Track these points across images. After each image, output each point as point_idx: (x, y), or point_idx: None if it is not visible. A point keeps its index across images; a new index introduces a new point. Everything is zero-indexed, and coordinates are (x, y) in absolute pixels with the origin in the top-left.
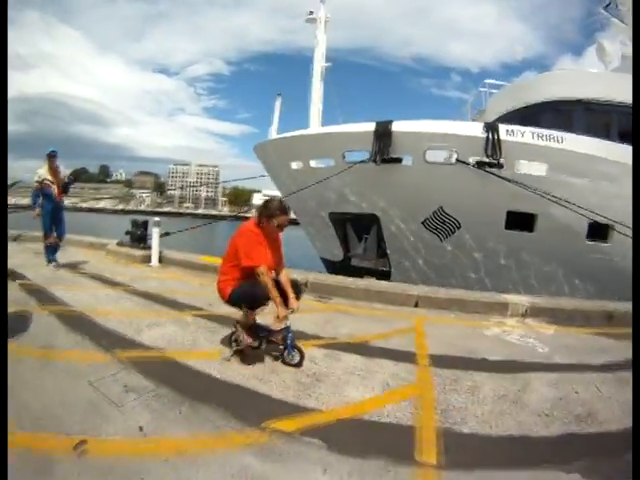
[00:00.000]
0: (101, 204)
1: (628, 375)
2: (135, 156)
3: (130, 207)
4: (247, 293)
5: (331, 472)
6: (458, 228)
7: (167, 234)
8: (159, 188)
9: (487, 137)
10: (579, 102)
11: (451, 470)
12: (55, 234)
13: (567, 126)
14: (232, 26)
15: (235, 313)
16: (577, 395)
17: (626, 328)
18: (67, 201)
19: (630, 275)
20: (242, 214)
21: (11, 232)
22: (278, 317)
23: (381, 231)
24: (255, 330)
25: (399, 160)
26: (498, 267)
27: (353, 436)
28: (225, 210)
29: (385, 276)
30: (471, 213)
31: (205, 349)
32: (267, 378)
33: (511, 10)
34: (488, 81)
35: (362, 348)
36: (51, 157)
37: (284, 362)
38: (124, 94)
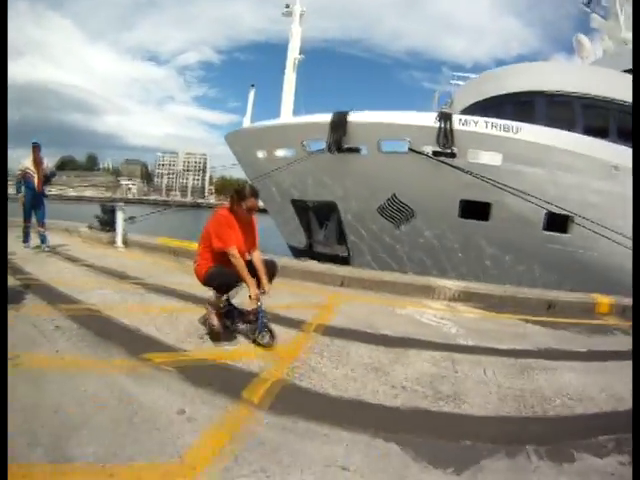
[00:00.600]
0: (87, 193)
1: (534, 363)
2: (125, 145)
3: (117, 195)
4: (217, 274)
5: (174, 391)
6: (412, 216)
7: (132, 218)
8: (147, 177)
9: (440, 126)
10: (541, 94)
11: (265, 411)
12: (35, 220)
13: (529, 117)
14: (224, 15)
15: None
16: (455, 375)
17: (565, 318)
18: (54, 190)
19: (591, 266)
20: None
21: None
22: (250, 297)
23: (340, 218)
24: (228, 312)
25: (357, 150)
26: (455, 255)
27: (205, 372)
28: (212, 199)
29: (345, 262)
30: (424, 201)
31: (128, 306)
32: (164, 329)
33: (506, 5)
34: (457, 73)
35: None
36: (35, 148)
37: (254, 341)
38: (114, 82)
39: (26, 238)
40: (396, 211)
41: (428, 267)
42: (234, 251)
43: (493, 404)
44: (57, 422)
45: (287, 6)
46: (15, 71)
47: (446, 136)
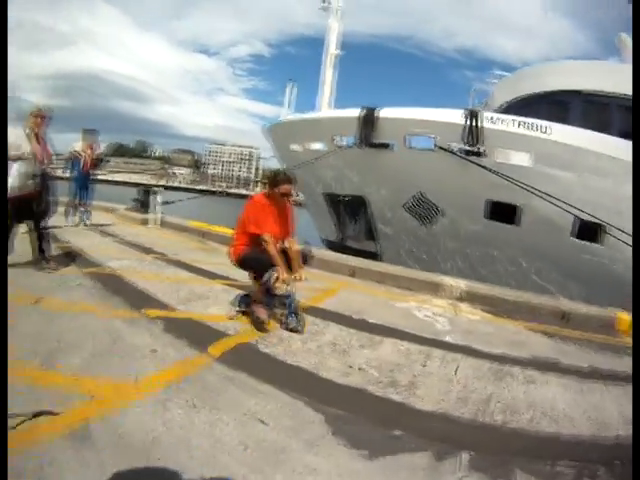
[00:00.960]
0: (134, 178)
1: (520, 372)
2: (176, 134)
3: (163, 183)
4: (251, 258)
5: (155, 337)
6: (437, 213)
7: (167, 203)
8: (196, 166)
9: (466, 124)
10: (578, 93)
11: (219, 363)
12: (80, 199)
13: (564, 118)
14: (274, 7)
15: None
16: (422, 368)
17: (578, 331)
18: (104, 175)
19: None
20: None
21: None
22: (280, 281)
23: (369, 213)
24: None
25: (386, 145)
26: (479, 257)
27: (185, 327)
28: (257, 190)
29: (374, 258)
30: (450, 199)
31: (144, 274)
32: (167, 293)
33: (558, 6)
34: (498, 72)
35: None
36: (85, 134)
37: (285, 327)
38: (165, 72)
39: (69, 214)
40: (422, 209)
41: (450, 267)
42: (267, 236)
43: (447, 403)
44: (55, 344)
45: (323, 1)
46: (66, 59)
47: (473, 134)
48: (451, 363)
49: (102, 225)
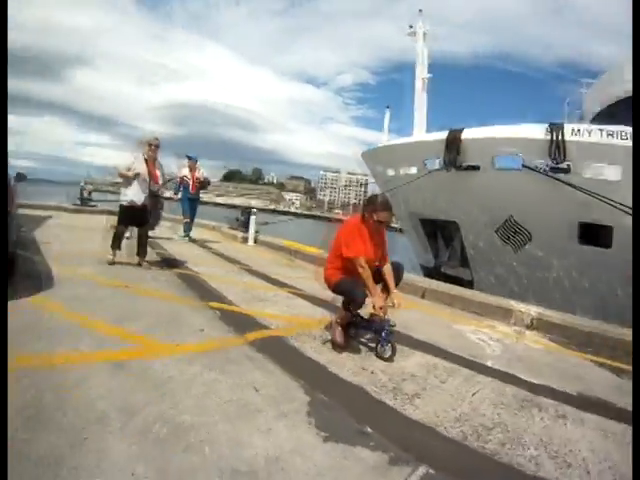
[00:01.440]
0: (252, 203)
1: (551, 405)
2: (287, 161)
3: (280, 208)
4: (348, 289)
5: (208, 320)
6: (530, 240)
7: (266, 223)
8: (310, 192)
9: (551, 138)
10: None
11: (248, 346)
12: (189, 216)
13: None
14: (373, 35)
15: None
16: (437, 383)
17: None
18: (221, 199)
19: None
20: None
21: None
22: (374, 308)
23: (462, 238)
24: (353, 321)
25: (475, 168)
26: (574, 286)
27: (236, 319)
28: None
29: (470, 285)
30: (540, 223)
31: (222, 278)
32: (235, 293)
33: None
34: (586, 81)
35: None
36: (190, 161)
37: (377, 355)
38: (275, 103)
39: (186, 229)
40: (513, 233)
41: (542, 295)
42: (361, 261)
43: (441, 418)
44: (127, 314)
45: (410, 26)
46: (182, 93)
47: (558, 148)
48: (474, 385)
49: (205, 240)
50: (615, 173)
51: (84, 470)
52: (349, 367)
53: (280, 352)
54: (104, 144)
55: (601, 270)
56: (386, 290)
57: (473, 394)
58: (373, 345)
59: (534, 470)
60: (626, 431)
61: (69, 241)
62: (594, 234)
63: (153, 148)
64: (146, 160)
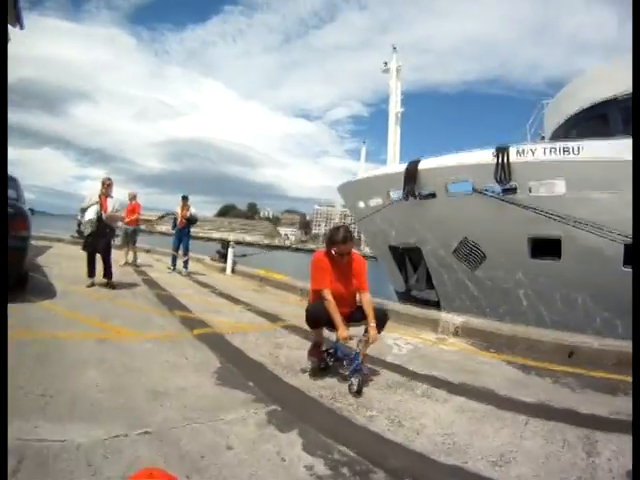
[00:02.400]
0: (247, 238)
1: (420, 389)
2: (282, 195)
3: (275, 242)
4: (309, 311)
5: (168, 322)
6: (484, 258)
7: (244, 255)
8: (305, 226)
9: (497, 162)
10: (614, 101)
11: (194, 337)
12: (181, 250)
13: (605, 131)
14: (363, 68)
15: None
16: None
17: (583, 369)
18: (217, 234)
19: None
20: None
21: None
22: (341, 338)
23: (425, 262)
24: (332, 351)
25: (432, 195)
26: (527, 299)
27: (190, 321)
28: (366, 250)
29: (437, 306)
30: (494, 242)
31: (192, 297)
32: (198, 306)
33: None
34: (546, 101)
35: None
36: (183, 199)
37: (348, 388)
38: (269, 137)
39: (173, 262)
40: (469, 254)
41: (503, 312)
42: (324, 293)
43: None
44: (111, 314)
45: (385, 64)
46: (176, 129)
47: (504, 171)
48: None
49: (192, 272)
50: (559, 187)
51: (70, 389)
52: (261, 352)
53: (213, 341)
54: (101, 178)
55: (555, 280)
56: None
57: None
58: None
59: (364, 423)
60: (489, 411)
61: (67, 267)
62: (544, 248)
63: (106, 186)
64: (100, 196)
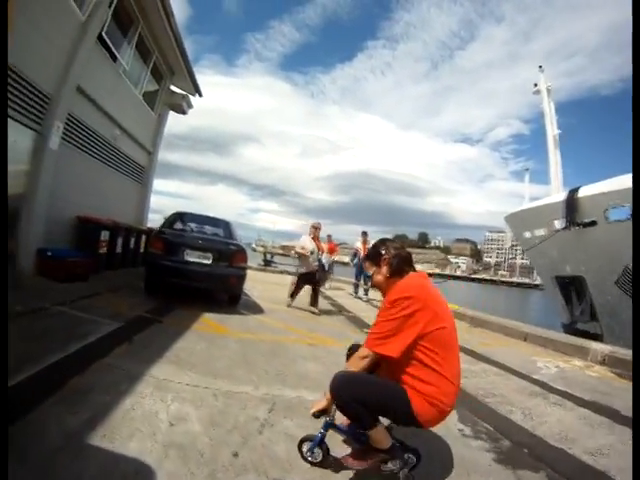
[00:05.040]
0: (418, 267)
1: (553, 397)
2: (451, 223)
3: (446, 272)
4: None
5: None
6: None
7: None
8: (476, 255)
9: None
10: None
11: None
12: (359, 280)
13: None
14: (514, 83)
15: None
16: (477, 372)
17: None
18: None
19: None
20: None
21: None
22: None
23: (588, 293)
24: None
25: (593, 223)
26: None
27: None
28: (539, 279)
29: (598, 339)
30: None
31: (369, 316)
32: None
33: None
34: None
35: None
36: (363, 234)
37: None
38: (431, 165)
39: (355, 289)
40: (631, 283)
41: None
42: None
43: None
44: (316, 328)
45: (535, 85)
46: (340, 162)
47: None
48: (508, 379)
49: (370, 299)
50: None
51: (297, 372)
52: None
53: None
54: (272, 210)
55: None
56: None
57: (500, 387)
58: None
59: (504, 413)
60: (605, 422)
61: (263, 289)
62: None
63: (316, 230)
64: (313, 239)
